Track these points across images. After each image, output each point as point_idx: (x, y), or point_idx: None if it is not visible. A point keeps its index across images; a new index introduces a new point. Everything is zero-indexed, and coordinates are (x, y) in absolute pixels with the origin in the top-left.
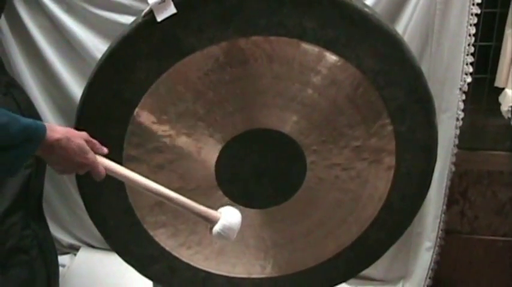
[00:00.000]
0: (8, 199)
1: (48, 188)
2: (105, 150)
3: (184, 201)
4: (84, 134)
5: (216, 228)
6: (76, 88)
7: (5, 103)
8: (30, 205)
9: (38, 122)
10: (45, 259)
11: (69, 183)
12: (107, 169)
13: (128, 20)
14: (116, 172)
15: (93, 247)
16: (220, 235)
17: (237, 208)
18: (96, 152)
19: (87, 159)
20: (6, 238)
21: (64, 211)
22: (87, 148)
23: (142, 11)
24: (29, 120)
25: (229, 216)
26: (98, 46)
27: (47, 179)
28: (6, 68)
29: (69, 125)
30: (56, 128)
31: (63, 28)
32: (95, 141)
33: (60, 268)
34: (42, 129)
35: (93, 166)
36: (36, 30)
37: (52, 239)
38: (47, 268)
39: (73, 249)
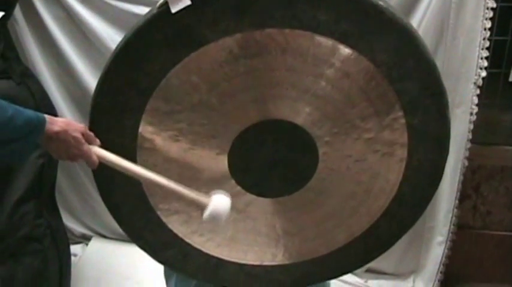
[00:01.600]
0: (21, 188)
1: (61, 178)
2: (98, 142)
3: (175, 188)
4: (82, 126)
5: (205, 214)
6: (90, 78)
7: (20, 92)
8: (43, 195)
9: (39, 114)
10: (57, 248)
11: (82, 173)
12: (100, 157)
13: (142, 10)
14: (108, 160)
15: (104, 236)
16: (208, 220)
17: (249, 197)
18: (90, 144)
19: (81, 150)
20: (19, 226)
21: (76, 201)
22: (83, 140)
23: (157, 1)
24: (30, 112)
25: (217, 202)
26: (112, 36)
27: (60, 169)
28: (21, 57)
29: (83, 115)
30: (56, 120)
31: (78, 18)
32: (90, 133)
33: (72, 258)
34: (43, 122)
35: (86, 156)
36: (51, 21)
37: (64, 228)
38: (59, 257)
39: (85, 239)
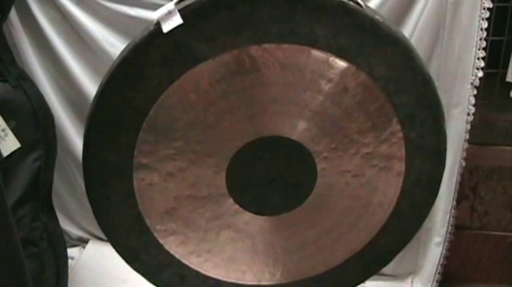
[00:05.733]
0: (18, 191)
1: (57, 181)
2: None
3: None
4: None
5: None
6: (86, 80)
7: (15, 96)
8: (40, 197)
9: None
10: (54, 251)
11: (79, 176)
12: None
13: (138, 12)
14: None
15: (102, 239)
16: None
17: (247, 215)
18: None
19: None
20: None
21: (73, 204)
22: None
23: (153, 3)
24: None
25: None
26: (108, 39)
27: (57, 172)
28: (16, 60)
29: (78, 117)
30: None
31: (73, 21)
32: None
33: (69, 261)
34: None
35: None
36: (47, 23)
37: (61, 231)
38: (56, 261)
39: (82, 242)
